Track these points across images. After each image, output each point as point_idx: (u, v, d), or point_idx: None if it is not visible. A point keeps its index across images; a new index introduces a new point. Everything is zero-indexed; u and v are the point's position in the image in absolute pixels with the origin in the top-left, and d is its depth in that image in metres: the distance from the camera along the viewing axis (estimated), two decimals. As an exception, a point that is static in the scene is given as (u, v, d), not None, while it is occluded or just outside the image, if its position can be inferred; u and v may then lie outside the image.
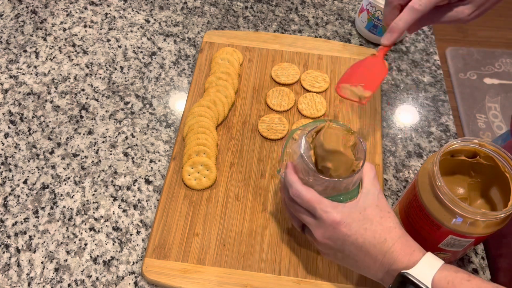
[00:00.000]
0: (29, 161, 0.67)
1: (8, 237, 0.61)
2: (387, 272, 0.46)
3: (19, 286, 0.57)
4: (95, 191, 0.65)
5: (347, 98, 0.49)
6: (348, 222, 0.46)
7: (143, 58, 0.79)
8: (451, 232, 0.49)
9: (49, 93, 0.74)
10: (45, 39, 0.81)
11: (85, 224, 0.62)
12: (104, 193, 0.65)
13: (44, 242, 0.61)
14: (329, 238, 0.48)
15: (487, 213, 0.46)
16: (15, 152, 0.68)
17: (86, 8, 0.86)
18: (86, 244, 0.61)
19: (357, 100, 0.51)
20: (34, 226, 0.62)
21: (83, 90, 0.75)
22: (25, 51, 0.79)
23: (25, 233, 0.61)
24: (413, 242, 0.46)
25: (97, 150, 0.69)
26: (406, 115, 0.74)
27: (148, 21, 0.84)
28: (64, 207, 0.63)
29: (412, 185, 0.54)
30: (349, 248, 0.47)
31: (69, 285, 0.58)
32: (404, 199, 0.56)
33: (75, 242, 0.61)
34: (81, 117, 0.72)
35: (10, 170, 0.66)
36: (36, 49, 0.80)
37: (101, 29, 0.83)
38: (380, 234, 0.46)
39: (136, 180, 0.66)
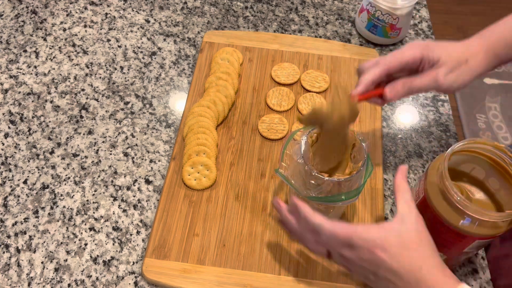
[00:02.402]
0: (29, 161, 0.67)
1: (8, 237, 0.61)
2: None
3: (19, 286, 0.57)
4: (95, 191, 0.65)
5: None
6: (385, 246, 0.45)
7: (143, 58, 0.79)
8: (457, 232, 0.49)
9: (49, 93, 0.74)
10: (45, 39, 0.81)
11: (85, 224, 0.62)
12: (104, 193, 0.65)
13: (44, 242, 0.61)
14: (365, 261, 0.47)
15: (495, 214, 0.46)
16: (15, 152, 0.68)
17: (86, 8, 0.86)
18: (86, 244, 0.61)
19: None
20: (34, 226, 0.62)
21: (83, 90, 0.75)
22: (25, 51, 0.79)
23: (25, 233, 0.61)
24: (449, 272, 0.45)
25: (97, 150, 0.69)
26: (406, 115, 0.74)
27: (148, 21, 0.84)
28: (64, 207, 0.63)
29: (420, 184, 0.54)
30: (383, 273, 0.46)
31: (69, 285, 0.58)
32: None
33: (75, 242, 0.61)
34: (81, 117, 0.72)
35: (10, 170, 0.66)
36: (36, 49, 0.80)
37: (101, 29, 0.83)
38: (416, 261, 0.45)
39: (136, 180, 0.66)
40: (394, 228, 0.46)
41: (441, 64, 0.54)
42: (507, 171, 0.51)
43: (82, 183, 0.66)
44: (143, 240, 0.61)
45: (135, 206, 0.64)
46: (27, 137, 0.70)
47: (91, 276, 0.58)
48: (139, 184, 0.66)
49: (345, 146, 0.53)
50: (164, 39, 0.82)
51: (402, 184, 0.49)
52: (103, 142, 0.69)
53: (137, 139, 0.70)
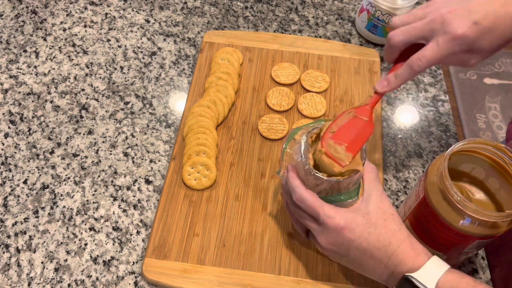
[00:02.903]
0: (29, 161, 0.67)
1: (8, 237, 0.61)
2: (391, 274, 0.46)
3: (19, 286, 0.57)
4: (95, 191, 0.65)
5: (330, 156, 0.49)
6: (352, 227, 0.46)
7: (143, 58, 0.79)
8: (457, 232, 0.49)
9: (49, 93, 0.74)
10: (45, 39, 0.81)
11: (85, 224, 0.62)
12: (104, 193, 0.65)
13: (44, 242, 0.61)
14: (333, 243, 0.48)
15: (495, 214, 0.46)
16: (15, 152, 0.68)
17: (86, 8, 0.86)
18: (86, 244, 0.61)
19: (336, 161, 0.50)
20: (34, 226, 0.62)
21: (83, 90, 0.75)
22: (25, 51, 0.79)
23: (25, 233, 0.61)
24: (419, 244, 0.46)
25: (97, 150, 0.69)
26: (406, 115, 0.74)
27: (148, 21, 0.84)
28: (64, 207, 0.63)
29: (420, 184, 0.54)
30: (354, 253, 0.47)
31: (69, 285, 0.58)
32: (411, 200, 0.56)
33: (75, 242, 0.61)
34: (81, 117, 0.72)
35: (10, 170, 0.66)
36: (36, 49, 0.80)
37: (101, 29, 0.83)
38: (384, 237, 0.45)
39: (136, 180, 0.66)
40: (360, 208, 0.47)
41: (478, 52, 0.49)
42: (507, 171, 0.51)
43: (82, 183, 0.66)
44: (143, 240, 0.61)
45: (135, 206, 0.64)
46: (27, 137, 0.70)
47: (91, 276, 0.58)
48: (139, 184, 0.66)
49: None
50: (164, 39, 0.82)
51: (367, 166, 0.50)
52: (103, 142, 0.69)
53: (137, 139, 0.70)
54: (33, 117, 0.72)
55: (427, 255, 0.45)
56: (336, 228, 0.46)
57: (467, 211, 0.47)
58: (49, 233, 0.61)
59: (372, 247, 0.46)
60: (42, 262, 0.59)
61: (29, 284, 0.57)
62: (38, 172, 0.66)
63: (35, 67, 0.77)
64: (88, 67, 0.78)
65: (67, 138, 0.70)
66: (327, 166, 0.49)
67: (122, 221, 0.63)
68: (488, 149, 0.51)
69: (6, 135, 0.70)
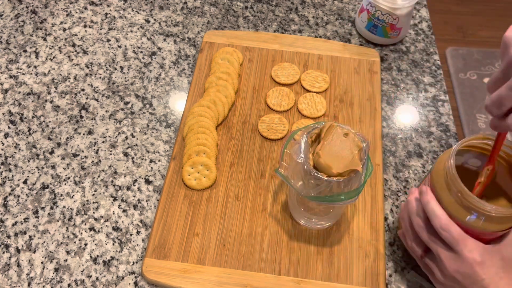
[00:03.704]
0: (29, 161, 0.67)
1: (8, 237, 0.61)
2: None
3: (19, 286, 0.57)
4: (95, 191, 0.65)
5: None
6: (487, 265, 0.45)
7: (143, 58, 0.79)
8: (465, 229, 0.49)
9: (49, 93, 0.74)
10: (45, 39, 0.81)
11: (85, 224, 0.62)
12: (104, 193, 0.65)
13: (44, 242, 0.61)
14: (460, 273, 0.47)
15: (502, 209, 0.46)
16: (15, 152, 0.68)
17: (86, 8, 0.86)
18: (86, 244, 0.61)
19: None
20: (34, 226, 0.62)
21: (83, 90, 0.75)
22: (25, 51, 0.79)
23: (25, 233, 0.61)
24: None
25: (97, 150, 0.69)
26: (406, 115, 0.74)
27: (148, 21, 0.84)
28: (64, 207, 0.63)
29: (426, 181, 0.54)
30: None
31: (69, 285, 0.58)
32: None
33: (75, 242, 0.61)
34: (81, 117, 0.72)
35: (10, 170, 0.66)
36: (36, 49, 0.80)
37: (101, 29, 0.83)
38: None
39: (136, 180, 0.66)
40: (501, 249, 0.46)
41: None
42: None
43: (82, 183, 0.66)
44: (143, 240, 0.61)
45: (135, 206, 0.64)
46: (27, 137, 0.70)
47: (91, 276, 0.58)
48: (139, 184, 0.66)
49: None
50: (164, 39, 0.82)
51: None
52: (103, 142, 0.69)
53: (137, 139, 0.70)
54: (33, 117, 0.72)
55: None
56: (472, 262, 0.45)
57: (473, 206, 0.46)
58: (49, 233, 0.61)
59: None
60: (42, 262, 0.59)
61: (29, 284, 0.57)
62: (38, 172, 0.66)
63: (35, 67, 0.77)
64: (88, 67, 0.78)
65: (67, 138, 0.70)
66: (325, 169, 0.49)
67: (122, 221, 0.63)
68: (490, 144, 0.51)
69: (6, 135, 0.70)
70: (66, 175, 0.66)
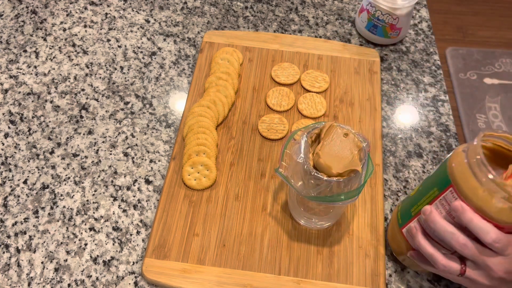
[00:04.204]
0: (29, 161, 0.67)
1: (8, 237, 0.61)
2: None
3: (19, 286, 0.57)
4: (95, 191, 0.65)
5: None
6: None
7: (143, 58, 0.79)
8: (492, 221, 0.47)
9: (49, 93, 0.74)
10: (45, 39, 0.81)
11: (85, 224, 0.62)
12: (104, 193, 0.65)
13: (44, 242, 0.61)
14: (507, 282, 0.46)
15: None
16: (15, 152, 0.68)
17: (86, 8, 0.86)
18: (86, 244, 0.61)
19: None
20: (34, 226, 0.62)
21: (83, 90, 0.75)
22: (25, 51, 0.79)
23: (25, 233, 0.61)
24: None
25: (97, 150, 0.69)
26: (406, 115, 0.74)
27: (148, 21, 0.84)
28: (64, 207, 0.63)
29: (438, 175, 0.52)
30: None
31: (69, 285, 0.58)
32: (424, 193, 0.54)
33: (75, 242, 0.61)
34: (81, 117, 0.72)
35: (10, 170, 0.66)
36: (36, 49, 0.80)
37: (101, 29, 0.83)
38: None
39: (136, 180, 0.66)
40: None
41: None
42: None
43: (82, 183, 0.66)
44: (143, 240, 0.61)
45: (135, 206, 0.64)
46: (27, 137, 0.70)
47: (91, 276, 0.58)
48: (139, 184, 0.66)
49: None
50: (164, 39, 0.82)
51: None
52: (103, 142, 0.69)
53: (137, 139, 0.70)
54: (33, 117, 0.72)
55: None
56: None
57: (504, 190, 0.44)
58: (49, 233, 0.61)
59: None
60: (42, 262, 0.59)
61: (29, 284, 0.57)
62: (38, 172, 0.66)
63: (35, 67, 0.77)
64: (88, 67, 0.78)
65: (67, 138, 0.70)
66: (325, 169, 0.49)
67: (122, 221, 0.63)
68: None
69: (6, 135, 0.70)
70: (66, 175, 0.66)
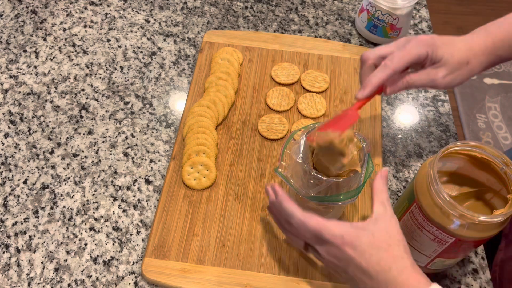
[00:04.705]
0: (29, 161, 0.67)
1: (8, 237, 0.61)
2: None
3: (19, 286, 0.57)
4: (95, 191, 0.65)
5: (319, 141, 0.50)
6: (355, 244, 0.45)
7: (143, 58, 0.79)
8: (451, 236, 0.49)
9: (49, 93, 0.74)
10: (45, 39, 0.81)
11: (85, 224, 0.62)
12: (104, 193, 0.65)
13: (44, 242, 0.61)
14: (334, 256, 0.47)
15: (484, 218, 0.46)
16: (15, 152, 0.68)
17: (86, 8, 0.86)
18: (86, 244, 0.61)
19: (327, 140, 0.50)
20: (34, 226, 0.62)
21: (83, 90, 0.75)
22: (25, 51, 0.79)
23: (25, 233, 0.61)
24: (421, 273, 0.45)
25: (97, 150, 0.69)
26: (406, 115, 0.74)
27: (148, 21, 0.84)
28: (64, 207, 0.63)
29: (409, 188, 0.54)
30: (353, 270, 0.46)
31: (69, 285, 0.58)
32: (400, 203, 0.56)
33: (75, 242, 0.61)
34: (81, 117, 0.72)
35: (10, 170, 0.66)
36: (36, 49, 0.80)
37: (101, 29, 0.83)
38: (385, 262, 0.45)
39: (136, 180, 0.66)
40: (366, 227, 0.46)
41: (442, 64, 0.54)
42: (495, 170, 0.50)
43: (82, 183, 0.66)
44: (143, 240, 0.61)
45: (135, 206, 0.64)
46: (27, 137, 0.70)
47: (91, 276, 0.58)
48: (139, 184, 0.66)
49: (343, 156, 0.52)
50: (164, 39, 0.82)
51: (379, 185, 0.49)
52: (103, 142, 0.70)
53: (137, 139, 0.70)
54: (33, 117, 0.72)
55: (428, 283, 0.44)
56: (339, 244, 0.46)
57: (456, 214, 0.46)
58: (49, 233, 0.61)
59: (372, 269, 0.45)
60: (42, 262, 0.59)
61: (29, 284, 0.58)
62: (38, 172, 0.66)
63: (35, 67, 0.77)
64: (88, 67, 0.78)
65: (67, 138, 0.70)
66: (324, 169, 0.49)
67: (122, 221, 0.63)
68: (475, 151, 0.51)
69: (6, 135, 0.70)
70: (66, 175, 0.66)
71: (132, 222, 0.62)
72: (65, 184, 0.65)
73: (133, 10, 0.86)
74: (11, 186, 0.65)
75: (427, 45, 0.54)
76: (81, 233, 0.61)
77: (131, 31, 0.83)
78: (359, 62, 0.58)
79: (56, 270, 0.59)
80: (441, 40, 0.55)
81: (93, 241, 0.61)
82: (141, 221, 0.63)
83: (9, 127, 0.71)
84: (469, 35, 0.56)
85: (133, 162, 0.68)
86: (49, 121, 0.71)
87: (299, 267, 0.58)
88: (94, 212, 0.63)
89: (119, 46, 0.80)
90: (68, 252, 0.60)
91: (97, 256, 0.60)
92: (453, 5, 2.13)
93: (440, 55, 0.54)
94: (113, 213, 0.63)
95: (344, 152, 0.49)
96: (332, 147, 0.48)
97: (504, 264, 0.63)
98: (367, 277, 0.45)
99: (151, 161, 0.68)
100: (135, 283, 0.58)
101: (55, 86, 0.75)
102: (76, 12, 0.85)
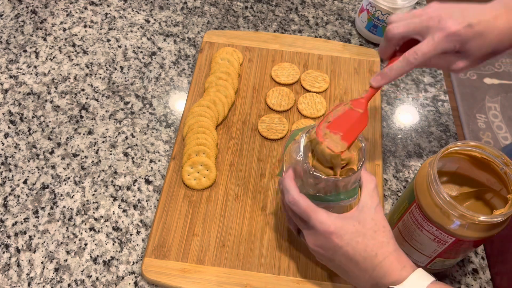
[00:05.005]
0: (29, 161, 0.67)
1: (8, 237, 0.61)
2: (376, 285, 0.46)
3: (19, 286, 0.57)
4: (95, 191, 0.65)
5: (326, 144, 0.50)
6: (341, 233, 0.47)
7: (143, 58, 0.79)
8: (451, 236, 0.49)
9: (49, 93, 0.74)
10: (45, 39, 0.81)
11: (85, 224, 0.62)
12: (104, 193, 0.65)
13: (44, 242, 0.61)
14: (321, 246, 0.49)
15: (484, 218, 0.46)
16: (15, 152, 0.68)
17: (86, 8, 0.86)
18: (86, 244, 0.61)
19: (333, 149, 0.51)
20: (34, 226, 0.62)
21: (83, 90, 0.75)
22: (25, 51, 0.79)
23: (25, 233, 0.61)
24: (406, 257, 0.46)
25: (97, 150, 0.69)
26: (406, 115, 0.74)
27: (148, 21, 0.84)
28: (64, 207, 0.63)
29: (409, 188, 0.54)
30: (340, 258, 0.48)
31: (69, 285, 0.58)
32: (400, 203, 0.56)
33: (75, 242, 0.61)
34: (81, 117, 0.72)
35: (10, 170, 0.66)
36: (36, 49, 0.80)
37: (101, 29, 0.83)
38: (371, 248, 0.46)
39: (136, 180, 0.66)
40: (352, 216, 0.48)
41: (466, 56, 0.52)
42: (495, 171, 0.50)
43: (82, 183, 0.66)
44: (143, 240, 0.61)
45: (135, 206, 0.64)
46: (27, 137, 0.70)
47: (91, 276, 0.58)
48: (139, 184, 0.66)
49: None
50: (164, 39, 0.82)
51: (366, 175, 0.50)
52: (103, 142, 0.70)
53: (137, 139, 0.70)
54: (33, 117, 0.72)
55: (413, 267, 0.45)
56: (325, 233, 0.47)
57: (456, 214, 0.46)
58: (49, 233, 0.61)
59: (358, 256, 0.46)
60: (42, 262, 0.59)
61: (29, 284, 0.58)
62: (38, 172, 0.66)
63: (35, 67, 0.77)
64: (88, 67, 0.78)
65: (67, 138, 0.70)
66: (324, 168, 0.49)
67: (122, 221, 0.63)
68: (475, 151, 0.51)
69: (6, 135, 0.70)
70: (66, 175, 0.66)
71: (132, 222, 0.62)
72: (65, 184, 0.65)
73: (133, 10, 0.86)
74: (11, 186, 0.65)
75: (456, 41, 0.50)
76: (81, 233, 0.61)
77: (131, 31, 0.83)
78: (384, 39, 0.55)
79: (56, 270, 0.59)
80: (475, 32, 0.50)
81: (93, 241, 0.61)
82: (141, 221, 0.63)
83: (9, 127, 0.71)
84: (500, 23, 0.50)
85: (133, 162, 0.68)
86: (49, 121, 0.71)
87: (299, 267, 0.58)
88: (94, 212, 0.63)
89: (119, 46, 0.81)
90: (68, 252, 0.60)
91: (97, 256, 0.60)
92: (453, 5, 2.12)
93: (467, 49, 0.51)
94: (113, 213, 0.63)
95: (336, 169, 0.49)
96: (329, 159, 0.49)
97: (494, 265, 0.63)
98: (353, 264, 0.47)
99: (151, 161, 0.68)
100: (135, 283, 0.58)
101: (55, 86, 0.75)
102: (76, 12, 0.85)
